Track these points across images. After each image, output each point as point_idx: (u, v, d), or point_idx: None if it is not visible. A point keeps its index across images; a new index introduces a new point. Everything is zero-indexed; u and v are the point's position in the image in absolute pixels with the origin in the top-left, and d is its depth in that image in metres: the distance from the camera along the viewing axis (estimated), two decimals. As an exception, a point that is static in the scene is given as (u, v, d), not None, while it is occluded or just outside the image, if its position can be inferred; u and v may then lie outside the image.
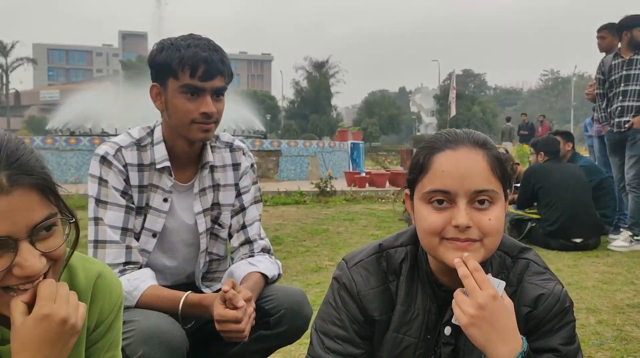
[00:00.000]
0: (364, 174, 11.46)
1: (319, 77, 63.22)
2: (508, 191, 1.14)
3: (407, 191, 1.17)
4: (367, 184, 10.61)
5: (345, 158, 14.44)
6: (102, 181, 1.58)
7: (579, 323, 2.88)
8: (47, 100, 66.24)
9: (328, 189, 8.81)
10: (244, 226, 1.77)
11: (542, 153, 5.26)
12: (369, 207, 7.75)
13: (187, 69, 1.52)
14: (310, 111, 60.89)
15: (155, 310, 1.50)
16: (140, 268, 1.61)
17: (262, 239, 1.79)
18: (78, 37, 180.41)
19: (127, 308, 1.49)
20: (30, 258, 0.84)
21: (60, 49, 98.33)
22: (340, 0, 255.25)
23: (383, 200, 8.57)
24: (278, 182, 11.36)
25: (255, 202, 1.81)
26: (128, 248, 1.58)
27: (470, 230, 1.05)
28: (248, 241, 1.76)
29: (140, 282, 1.54)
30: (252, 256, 1.75)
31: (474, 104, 58.79)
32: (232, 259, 1.80)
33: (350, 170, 13.07)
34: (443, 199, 1.06)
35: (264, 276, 1.67)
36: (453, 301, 1.05)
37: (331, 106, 64.51)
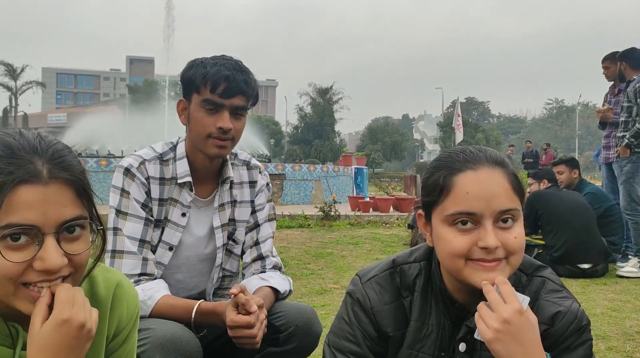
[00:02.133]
0: (368, 199, 11.44)
1: (323, 104, 63.73)
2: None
3: (420, 211, 1.16)
4: (370, 209, 10.60)
5: (349, 182, 14.45)
6: (124, 193, 1.62)
7: (589, 349, 2.84)
8: (55, 123, 66.81)
9: (332, 213, 8.80)
10: (257, 243, 1.79)
11: (545, 180, 5.27)
12: (373, 231, 7.72)
13: (208, 85, 1.58)
14: (314, 136, 61.22)
15: (169, 319, 1.51)
16: (154, 279, 1.63)
17: (274, 256, 1.82)
18: (86, 61, 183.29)
19: (141, 317, 1.50)
20: (54, 252, 0.85)
21: (69, 73, 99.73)
22: (344, 28, 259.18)
23: (387, 225, 8.54)
24: (282, 206, 11.36)
25: (269, 220, 1.84)
26: (145, 259, 1.61)
27: (497, 249, 1.04)
28: (260, 258, 1.78)
29: (155, 292, 1.56)
30: (264, 272, 1.76)
31: (477, 132, 59.05)
32: (244, 275, 1.81)
33: (354, 195, 13.06)
34: (467, 220, 1.05)
35: (275, 291, 1.68)
36: (476, 315, 1.03)
37: (335, 132, 64.87)
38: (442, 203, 1.08)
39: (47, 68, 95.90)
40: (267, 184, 1.86)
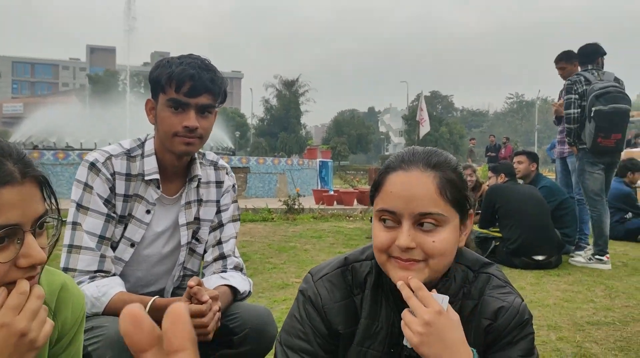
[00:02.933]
0: (332, 193, 11.49)
1: (289, 96, 63.49)
2: (471, 211, 1.15)
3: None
4: (335, 203, 10.65)
5: (314, 175, 14.48)
6: (87, 187, 1.61)
7: (540, 339, 2.93)
8: (10, 113, 64.59)
9: (296, 206, 8.80)
10: (219, 242, 1.79)
11: (502, 174, 5.41)
12: (337, 225, 7.76)
13: (173, 85, 1.58)
14: (280, 129, 60.98)
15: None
16: (111, 276, 1.61)
17: (236, 257, 1.82)
18: (44, 50, 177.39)
19: (95, 315, 1.50)
20: (37, 247, 0.88)
21: (26, 61, 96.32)
22: (311, 21, 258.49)
23: (351, 218, 8.60)
24: (246, 199, 11.30)
25: (233, 220, 1.85)
26: (102, 256, 1.59)
27: (414, 251, 1.06)
28: (222, 257, 1.78)
29: (109, 288, 1.54)
30: (225, 271, 1.76)
31: (441, 125, 59.90)
32: (204, 275, 1.80)
33: (319, 188, 13.09)
34: (390, 219, 1.08)
35: (234, 291, 1.67)
36: (402, 322, 1.06)
37: (301, 124, 64.78)
38: (376, 199, 1.13)
39: (3, 57, 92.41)
40: (234, 186, 1.87)
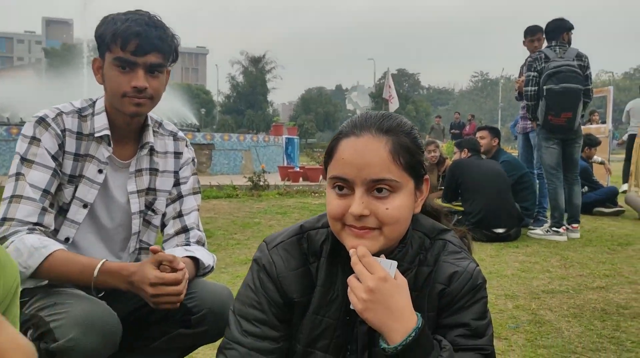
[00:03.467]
0: (297, 169, 11.46)
1: (256, 73, 62.76)
2: (426, 176, 1.14)
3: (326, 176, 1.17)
4: (300, 179, 10.62)
5: (280, 152, 14.40)
6: (34, 140, 1.53)
7: (498, 308, 3.01)
8: (-38, 88, 61.87)
9: (261, 183, 8.75)
10: (180, 215, 1.72)
11: (466, 149, 5.49)
12: (302, 201, 7.76)
13: (119, 42, 1.50)
14: (246, 106, 60.36)
15: (62, 274, 1.42)
16: (49, 234, 1.52)
17: (200, 231, 1.75)
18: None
19: (34, 276, 1.41)
20: None
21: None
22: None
23: (316, 194, 8.61)
24: (211, 176, 11.16)
25: (194, 193, 1.78)
26: (44, 209, 1.51)
27: (367, 218, 1.05)
28: (185, 230, 1.71)
29: (52, 243, 1.46)
30: (188, 245, 1.69)
31: (408, 103, 60.30)
32: (164, 249, 1.69)
33: (285, 165, 13.04)
34: (343, 186, 1.06)
35: (197, 265, 1.61)
36: (348, 288, 1.05)
37: (267, 101, 64.25)
38: (329, 166, 1.10)
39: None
40: (193, 159, 1.81)
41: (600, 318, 2.84)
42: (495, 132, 6.02)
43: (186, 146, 1.79)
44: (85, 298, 1.40)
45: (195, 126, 15.82)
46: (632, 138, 8.76)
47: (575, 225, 5.29)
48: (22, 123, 11.88)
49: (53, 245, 1.45)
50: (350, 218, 1.05)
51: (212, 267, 1.69)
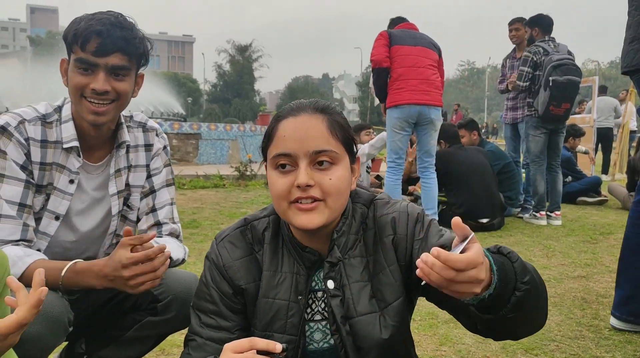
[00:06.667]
0: (285, 159, 11.41)
1: (242, 61, 62.33)
2: (358, 155, 1.21)
3: (264, 163, 1.21)
4: (288, 169, 10.60)
5: (267, 142, 14.33)
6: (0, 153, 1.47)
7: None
8: (-56, 76, 60.75)
9: (248, 173, 8.74)
10: (153, 209, 1.70)
11: (442, 141, 5.51)
12: (289, 191, 7.75)
13: (79, 42, 1.45)
14: (233, 95, 60.02)
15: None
16: (32, 247, 1.52)
17: (174, 223, 1.72)
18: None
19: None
20: None
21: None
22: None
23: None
24: (197, 166, 11.12)
25: (167, 185, 1.74)
26: (25, 225, 1.48)
27: (312, 188, 1.10)
28: (157, 224, 1.70)
29: (35, 254, 1.46)
30: (160, 237, 1.68)
31: (395, 92, 60.28)
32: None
33: (272, 155, 12.99)
34: (286, 163, 1.11)
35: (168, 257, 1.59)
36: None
37: (254, 90, 63.90)
38: (269, 149, 1.15)
39: None
40: (165, 148, 1.75)
41: (580, 306, 2.90)
42: (471, 126, 6.12)
43: (157, 135, 1.74)
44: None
45: (181, 116, 15.74)
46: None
47: (557, 212, 5.40)
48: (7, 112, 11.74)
49: (35, 255, 1.46)
50: (296, 192, 1.10)
51: (183, 259, 1.68)
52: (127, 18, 1.52)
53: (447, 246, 1.07)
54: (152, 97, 17.04)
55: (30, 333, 1.28)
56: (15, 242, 1.47)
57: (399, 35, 4.71)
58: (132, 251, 1.38)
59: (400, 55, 4.62)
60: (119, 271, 1.36)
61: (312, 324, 1.23)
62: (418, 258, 1.08)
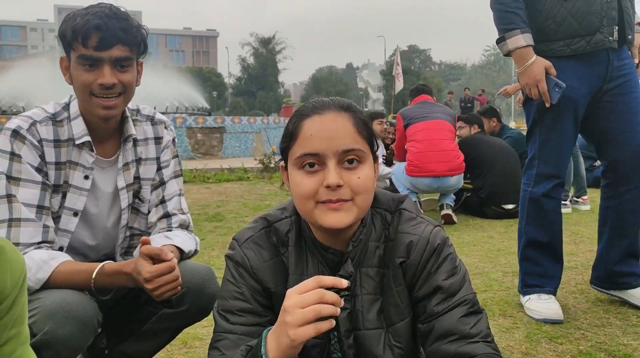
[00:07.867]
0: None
1: (266, 54, 62.48)
2: (377, 154, 1.17)
3: (282, 163, 1.17)
4: (312, 160, 10.61)
5: (291, 134, 14.36)
6: (14, 156, 1.48)
7: (505, 286, 3.02)
8: (-23, 78, 62.45)
9: (272, 165, 8.78)
10: (163, 201, 1.72)
11: (475, 125, 5.46)
12: (313, 182, 7.76)
13: (80, 39, 1.46)
14: (258, 87, 60.26)
15: (71, 283, 1.44)
16: (54, 248, 1.55)
17: (183, 214, 1.74)
18: (11, 11, 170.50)
19: (34, 287, 1.43)
20: None
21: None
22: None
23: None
24: (222, 159, 11.23)
25: (176, 176, 1.77)
26: (45, 226, 1.50)
27: (342, 189, 1.07)
28: (166, 216, 1.71)
29: (60, 255, 1.49)
30: (170, 230, 1.70)
31: (419, 80, 59.63)
32: (149, 235, 1.73)
33: (296, 146, 13.03)
34: (314, 162, 1.08)
35: (180, 250, 1.62)
36: None
37: (278, 82, 64.04)
38: (292, 148, 1.11)
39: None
40: (173, 140, 1.77)
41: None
42: (490, 113, 6.06)
43: (165, 128, 1.75)
44: (57, 290, 1.41)
45: (206, 110, 15.87)
46: None
47: (584, 197, 5.29)
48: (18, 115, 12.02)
49: (61, 257, 1.48)
50: (324, 193, 1.06)
51: (196, 250, 1.70)
52: (120, 8, 1.53)
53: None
54: (177, 93, 17.21)
55: (61, 335, 1.31)
56: (38, 245, 1.49)
57: (410, 115, 5.07)
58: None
59: (415, 132, 4.94)
60: (143, 283, 1.41)
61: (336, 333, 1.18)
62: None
